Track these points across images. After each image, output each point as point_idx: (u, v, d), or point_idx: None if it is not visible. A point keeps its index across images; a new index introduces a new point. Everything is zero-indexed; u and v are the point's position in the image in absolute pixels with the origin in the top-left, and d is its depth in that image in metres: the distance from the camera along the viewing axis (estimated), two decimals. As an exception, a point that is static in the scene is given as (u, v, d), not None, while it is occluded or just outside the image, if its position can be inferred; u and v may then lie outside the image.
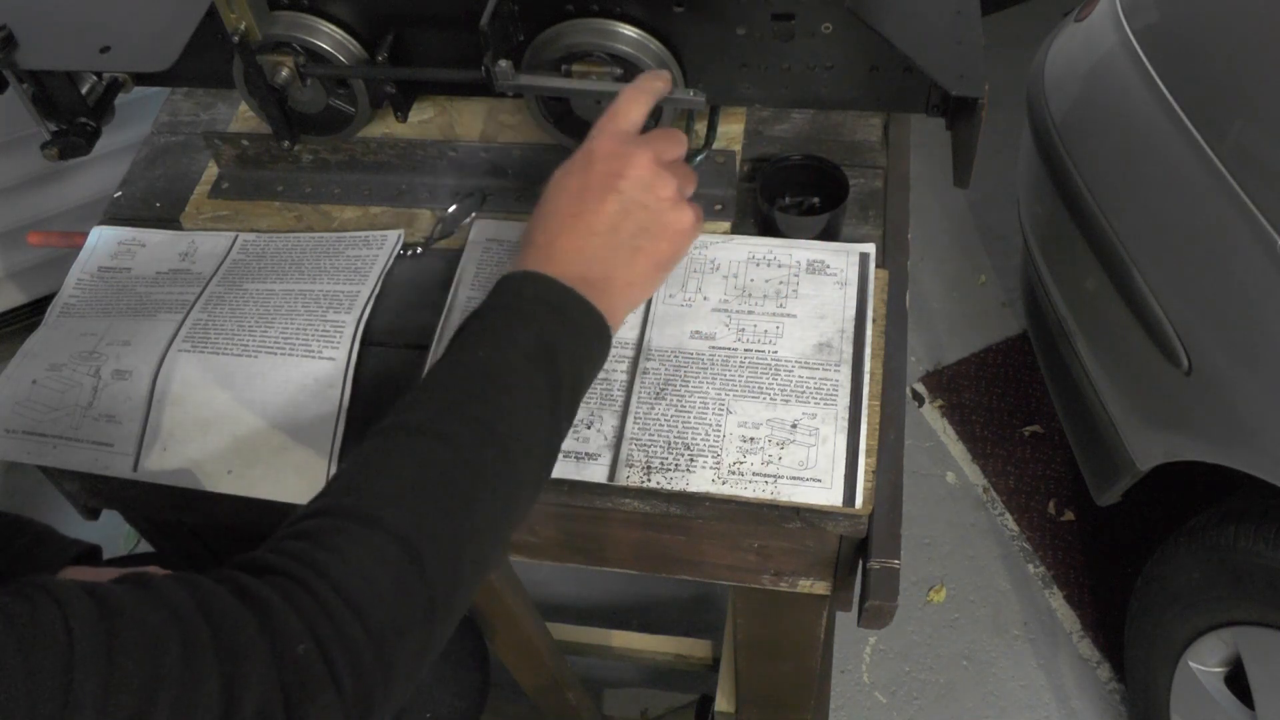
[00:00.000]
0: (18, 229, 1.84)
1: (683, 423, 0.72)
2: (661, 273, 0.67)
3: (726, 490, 0.69)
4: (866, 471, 0.69)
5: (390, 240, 0.84)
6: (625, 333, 0.77)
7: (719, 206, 0.84)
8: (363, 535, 0.52)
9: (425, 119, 0.92)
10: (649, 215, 0.64)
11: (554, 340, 0.60)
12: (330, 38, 0.80)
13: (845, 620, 1.33)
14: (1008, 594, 1.69)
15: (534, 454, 0.60)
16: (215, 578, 0.50)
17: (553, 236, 0.63)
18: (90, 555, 0.81)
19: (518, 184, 0.87)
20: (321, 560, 0.51)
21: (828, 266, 0.78)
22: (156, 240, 0.89)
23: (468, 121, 0.92)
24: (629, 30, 0.77)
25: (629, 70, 0.77)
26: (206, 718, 0.44)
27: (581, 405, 0.74)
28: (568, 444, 0.72)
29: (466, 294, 0.81)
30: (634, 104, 0.68)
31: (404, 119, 0.89)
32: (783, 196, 0.83)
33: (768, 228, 0.82)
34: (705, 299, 0.78)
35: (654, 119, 0.81)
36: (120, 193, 0.94)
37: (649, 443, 0.72)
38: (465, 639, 1.00)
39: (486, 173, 0.87)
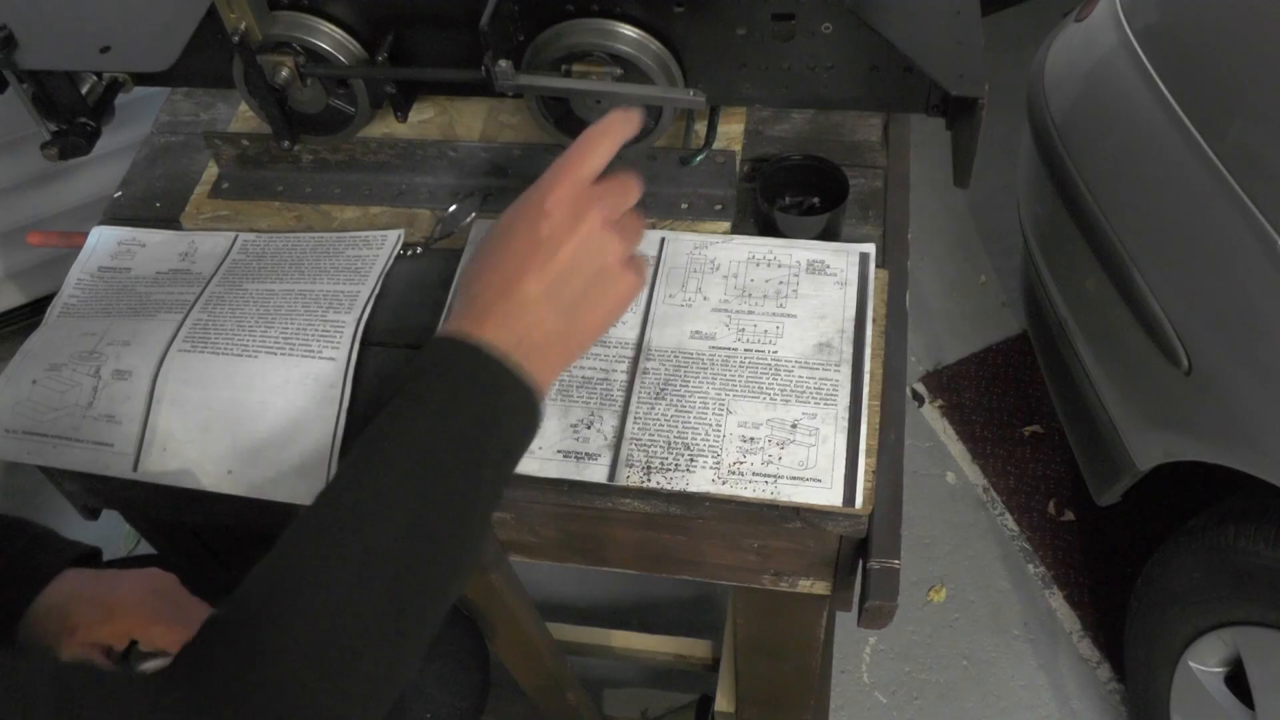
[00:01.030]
0: (18, 229, 1.84)
1: (683, 423, 0.72)
2: (597, 334, 0.65)
3: (726, 490, 0.69)
4: (866, 471, 0.69)
5: (390, 240, 0.84)
6: (625, 332, 0.77)
7: (719, 206, 0.84)
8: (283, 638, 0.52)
9: (425, 119, 0.92)
10: (593, 279, 0.62)
11: (485, 430, 0.59)
12: (330, 38, 0.80)
13: (845, 620, 1.33)
14: (1008, 594, 1.69)
15: (460, 547, 0.58)
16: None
17: (493, 296, 0.61)
18: (90, 557, 0.81)
19: (518, 184, 0.87)
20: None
21: (828, 266, 0.78)
22: (156, 240, 0.89)
23: (468, 121, 0.92)
24: (629, 30, 0.77)
25: (629, 70, 0.77)
26: None
27: (581, 405, 0.74)
28: (568, 444, 0.72)
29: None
30: (595, 151, 0.64)
31: (404, 119, 0.89)
32: (783, 196, 0.83)
33: (768, 228, 0.82)
34: (705, 299, 0.78)
35: (654, 119, 0.81)
36: (120, 193, 0.94)
37: (649, 443, 0.72)
38: (465, 639, 1.00)
39: (486, 173, 0.87)
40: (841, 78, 0.80)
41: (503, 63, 0.72)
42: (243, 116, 0.96)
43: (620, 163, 0.84)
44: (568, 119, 0.83)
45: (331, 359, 0.78)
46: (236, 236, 0.87)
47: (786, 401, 0.72)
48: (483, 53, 0.72)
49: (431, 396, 0.59)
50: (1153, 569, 1.31)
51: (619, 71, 0.77)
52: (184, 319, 0.81)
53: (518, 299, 0.61)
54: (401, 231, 0.85)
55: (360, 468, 0.58)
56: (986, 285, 2.08)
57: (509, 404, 0.60)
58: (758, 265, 0.79)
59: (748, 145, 0.88)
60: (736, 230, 0.83)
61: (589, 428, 0.73)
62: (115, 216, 0.92)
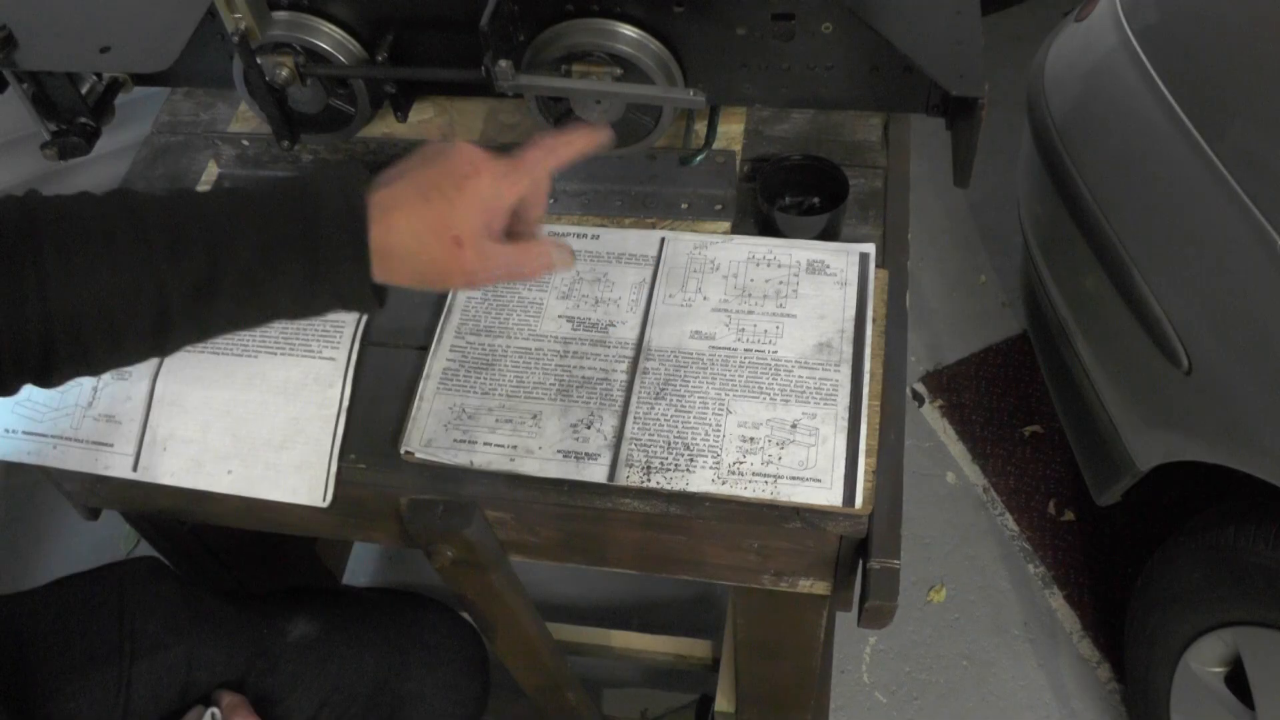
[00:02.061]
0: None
1: (683, 423, 0.72)
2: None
3: (726, 490, 0.69)
4: (866, 471, 0.69)
5: (390, 240, 0.84)
6: (625, 333, 0.77)
7: (719, 206, 0.84)
8: None
9: (425, 119, 0.92)
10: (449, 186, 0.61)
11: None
12: (330, 38, 0.80)
13: (845, 620, 1.33)
14: (1008, 594, 1.69)
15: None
16: None
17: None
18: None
19: (518, 184, 0.87)
20: None
21: (828, 266, 0.78)
22: (156, 240, 0.88)
23: (468, 121, 0.92)
24: (629, 30, 0.77)
25: (629, 70, 0.77)
26: None
27: (581, 405, 0.74)
28: (568, 444, 0.72)
29: (466, 294, 0.81)
30: (539, 168, 0.64)
31: (404, 119, 0.89)
32: (783, 196, 0.83)
33: (768, 228, 0.82)
34: (705, 299, 0.78)
35: (654, 119, 0.81)
36: (120, 193, 0.94)
37: (649, 443, 0.72)
38: (465, 646, 0.99)
39: (486, 173, 0.87)
40: (841, 78, 0.80)
41: (503, 63, 0.72)
42: (243, 116, 0.96)
43: (621, 163, 0.85)
44: (568, 119, 0.83)
45: (331, 359, 0.78)
46: (236, 236, 0.87)
47: (786, 401, 0.72)
48: (483, 53, 0.72)
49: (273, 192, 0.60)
50: (1153, 569, 1.31)
51: (619, 71, 0.77)
52: (184, 319, 0.81)
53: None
54: (401, 231, 0.85)
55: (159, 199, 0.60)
56: (986, 285, 2.08)
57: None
58: (758, 265, 0.79)
59: (748, 145, 0.88)
60: (736, 230, 0.83)
61: (589, 428, 0.73)
62: (115, 216, 0.92)
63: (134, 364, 0.62)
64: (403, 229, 0.60)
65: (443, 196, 0.61)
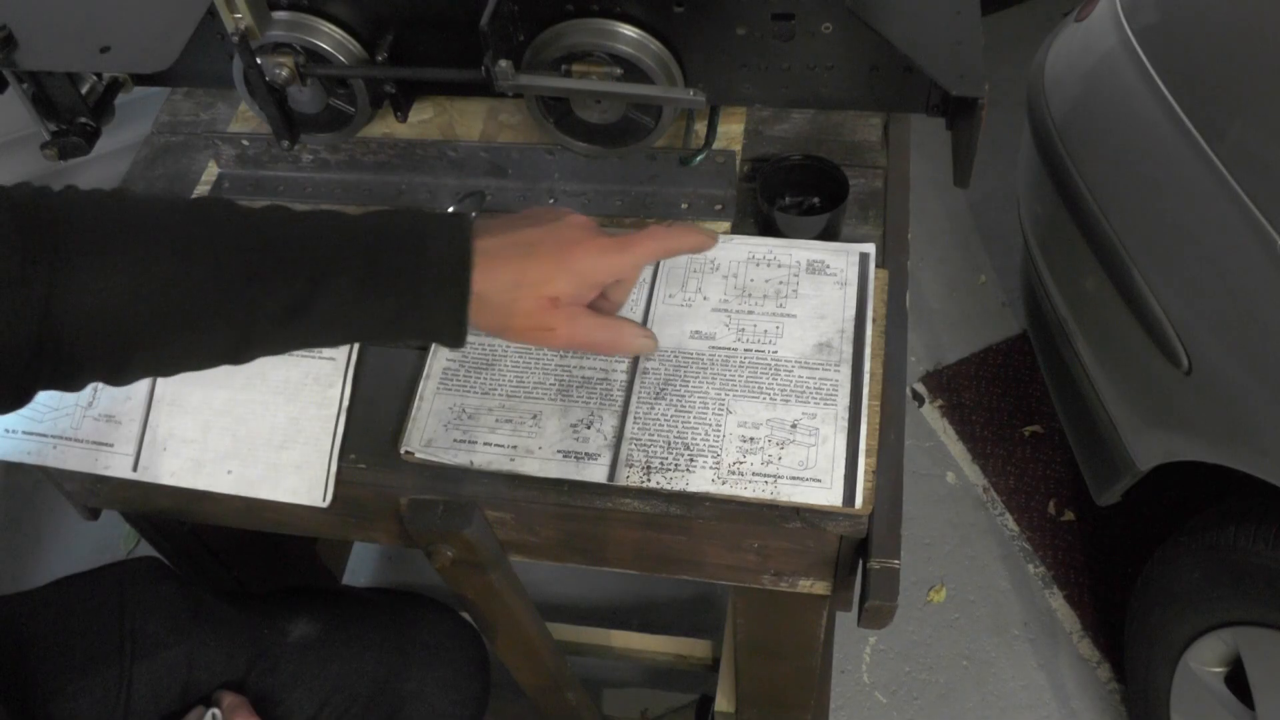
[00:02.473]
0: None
1: (683, 423, 0.72)
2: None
3: (726, 490, 0.69)
4: (866, 471, 0.69)
5: (390, 240, 0.84)
6: (625, 333, 0.77)
7: (719, 206, 0.84)
8: None
9: (425, 119, 0.92)
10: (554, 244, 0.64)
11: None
12: (330, 38, 0.80)
13: (845, 620, 1.33)
14: (1008, 594, 1.69)
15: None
16: None
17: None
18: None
19: (518, 184, 0.87)
20: None
21: (828, 266, 0.78)
22: (156, 240, 0.88)
23: (468, 121, 0.92)
24: (629, 30, 0.77)
25: (629, 70, 0.77)
26: None
27: (581, 405, 0.74)
28: (568, 444, 0.73)
29: (466, 294, 0.81)
30: (648, 253, 0.67)
31: (404, 119, 0.89)
32: (783, 196, 0.83)
33: (768, 228, 0.82)
34: (705, 299, 0.78)
35: (654, 118, 0.81)
36: (120, 193, 0.94)
37: (649, 443, 0.72)
38: (465, 645, 0.99)
39: (486, 173, 0.87)
40: (841, 78, 0.80)
41: (503, 63, 0.72)
42: (243, 116, 0.96)
43: (621, 163, 0.85)
44: (568, 119, 0.83)
45: (331, 359, 0.78)
46: (236, 236, 0.87)
47: (786, 401, 0.72)
48: (483, 53, 0.72)
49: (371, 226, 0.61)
50: (1153, 569, 1.31)
51: (619, 71, 0.77)
52: (184, 319, 0.81)
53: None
54: (401, 231, 0.85)
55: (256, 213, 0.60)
56: (986, 285, 2.08)
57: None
58: (758, 265, 0.79)
59: (748, 145, 0.88)
60: (736, 230, 0.83)
61: (589, 428, 0.73)
62: (115, 216, 0.92)
63: (207, 369, 0.62)
64: (503, 280, 0.62)
65: (548, 257, 0.63)
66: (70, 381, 0.58)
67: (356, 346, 0.79)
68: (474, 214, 0.64)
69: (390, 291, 0.60)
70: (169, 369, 0.61)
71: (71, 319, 0.54)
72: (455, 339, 0.62)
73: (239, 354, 0.60)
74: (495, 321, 0.63)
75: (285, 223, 0.61)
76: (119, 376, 0.59)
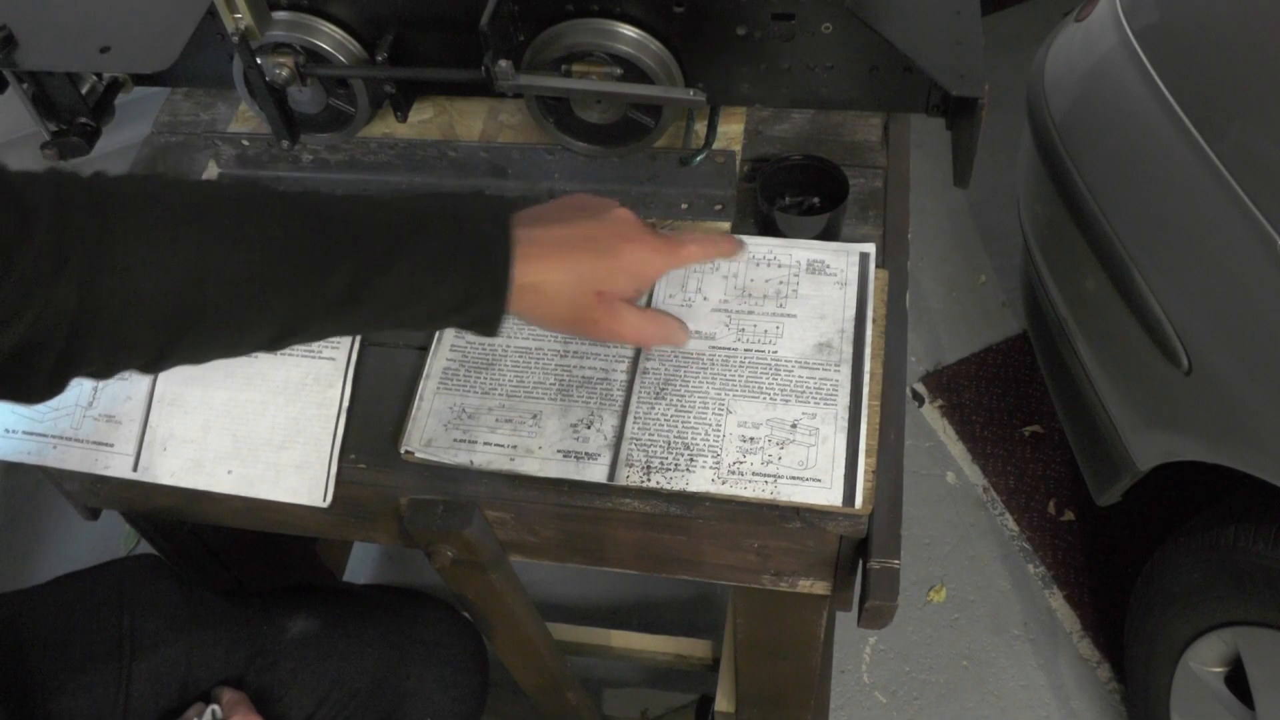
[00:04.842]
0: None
1: (683, 422, 0.72)
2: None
3: (726, 490, 0.69)
4: (866, 471, 0.69)
5: (390, 240, 0.84)
6: (625, 333, 0.77)
7: (719, 206, 0.84)
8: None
9: (425, 119, 0.92)
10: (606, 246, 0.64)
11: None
12: (330, 38, 0.80)
13: (845, 620, 1.33)
14: (1008, 594, 1.69)
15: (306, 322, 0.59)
16: None
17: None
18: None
19: (518, 184, 0.87)
20: None
21: (828, 266, 0.78)
22: (156, 240, 0.88)
23: (468, 121, 0.92)
24: (629, 30, 0.77)
25: (629, 70, 0.77)
26: None
27: (581, 405, 0.74)
28: (568, 444, 0.72)
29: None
30: (693, 258, 0.68)
31: (404, 119, 0.89)
32: (783, 196, 0.83)
33: (768, 228, 0.82)
34: (705, 299, 0.78)
35: (654, 118, 0.81)
36: (120, 193, 0.94)
37: (649, 442, 0.72)
38: (464, 642, 1.00)
39: (486, 173, 0.87)
40: (841, 78, 0.80)
41: (503, 63, 0.72)
42: (243, 116, 0.96)
43: (621, 163, 0.85)
44: (568, 119, 0.83)
45: (331, 359, 0.78)
46: (236, 236, 0.87)
47: (786, 401, 0.72)
48: (483, 53, 0.72)
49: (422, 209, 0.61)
50: (1153, 569, 1.31)
51: (619, 71, 0.77)
52: (184, 319, 0.81)
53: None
54: (401, 231, 0.85)
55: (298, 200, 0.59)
56: (986, 285, 2.08)
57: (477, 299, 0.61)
58: (758, 265, 0.79)
59: (748, 145, 0.88)
60: (736, 230, 0.83)
61: (589, 427, 0.73)
62: (115, 216, 0.92)
63: (242, 356, 0.62)
64: (555, 272, 0.62)
65: (604, 252, 0.63)
66: (106, 368, 0.57)
67: (357, 347, 0.79)
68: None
69: (438, 281, 0.59)
70: (207, 355, 0.60)
71: (112, 303, 0.53)
72: (492, 325, 0.62)
73: (282, 340, 0.60)
74: (543, 311, 0.63)
75: (330, 205, 0.60)
76: (157, 364, 0.58)
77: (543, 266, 0.61)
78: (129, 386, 0.79)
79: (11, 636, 0.82)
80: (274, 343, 0.59)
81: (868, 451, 0.70)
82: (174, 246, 0.54)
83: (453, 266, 0.59)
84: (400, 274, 0.58)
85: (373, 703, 0.91)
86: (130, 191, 0.55)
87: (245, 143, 0.89)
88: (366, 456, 0.76)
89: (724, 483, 0.69)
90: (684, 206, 0.84)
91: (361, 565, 1.76)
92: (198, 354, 0.59)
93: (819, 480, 0.69)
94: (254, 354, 0.61)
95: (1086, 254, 1.25)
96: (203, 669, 0.85)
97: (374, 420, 0.77)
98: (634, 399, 0.74)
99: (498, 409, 0.75)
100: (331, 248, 0.57)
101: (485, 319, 0.61)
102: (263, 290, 0.56)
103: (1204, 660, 1.25)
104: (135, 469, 0.77)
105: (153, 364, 0.58)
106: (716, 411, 0.72)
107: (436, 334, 0.79)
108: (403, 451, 0.74)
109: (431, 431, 0.75)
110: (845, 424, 0.71)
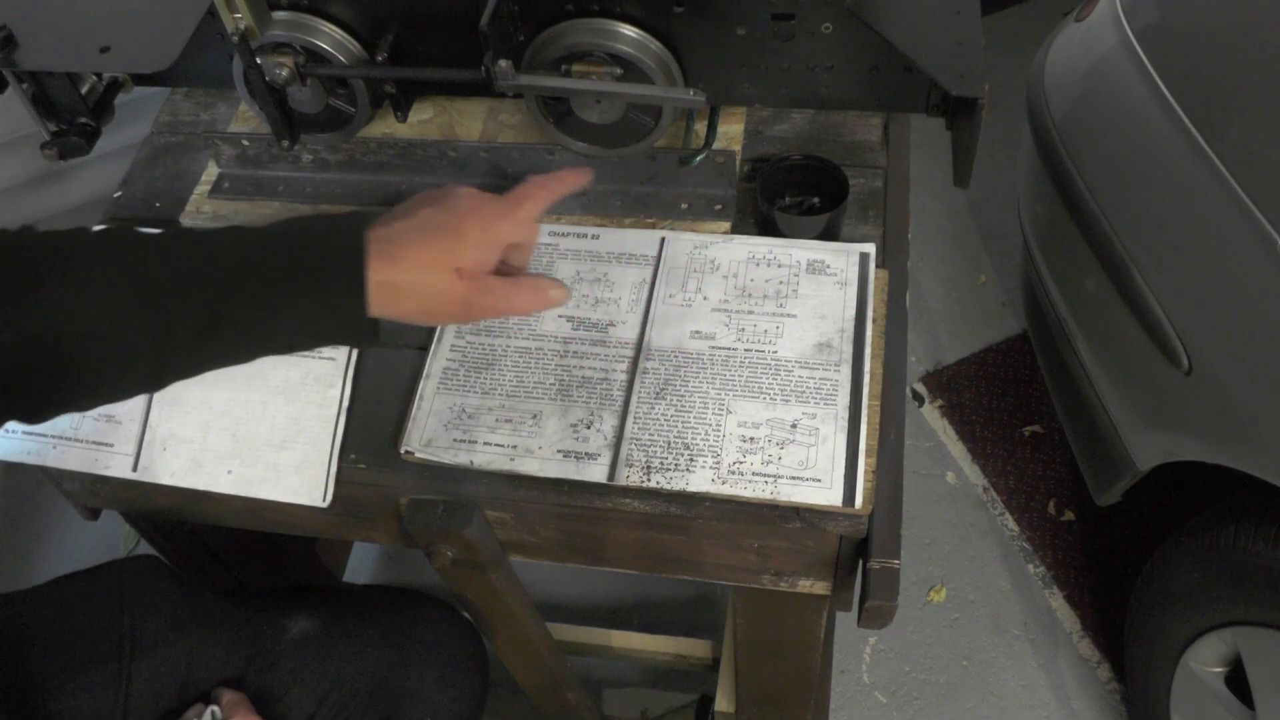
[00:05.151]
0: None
1: (683, 423, 0.72)
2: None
3: (726, 490, 0.69)
4: (866, 471, 0.69)
5: (390, 240, 0.84)
6: (625, 332, 0.77)
7: (719, 206, 0.84)
8: None
9: (425, 119, 0.92)
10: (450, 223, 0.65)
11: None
12: (330, 38, 0.80)
13: (845, 620, 1.33)
14: (1008, 594, 1.69)
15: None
16: None
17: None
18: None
19: (518, 184, 0.87)
20: None
21: (828, 266, 0.78)
22: (156, 240, 0.88)
23: (468, 121, 0.92)
24: (629, 30, 0.77)
25: (629, 70, 0.77)
26: None
27: (581, 405, 0.74)
28: (568, 444, 0.72)
29: (466, 294, 0.81)
30: (536, 202, 0.69)
31: (404, 119, 0.89)
32: (783, 196, 0.83)
33: (768, 228, 0.82)
34: (705, 299, 0.78)
35: (654, 118, 0.81)
36: (120, 193, 0.94)
37: (649, 442, 0.72)
38: (464, 642, 0.99)
39: (486, 173, 0.87)
40: (841, 78, 0.80)
41: (503, 63, 0.72)
42: (243, 116, 0.96)
43: (621, 163, 0.85)
44: (568, 119, 0.83)
45: (331, 359, 0.78)
46: (236, 236, 0.87)
47: (786, 401, 0.72)
48: (483, 53, 0.72)
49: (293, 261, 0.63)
50: (1153, 569, 1.31)
51: (619, 71, 0.77)
52: (184, 319, 0.81)
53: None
54: (401, 231, 0.85)
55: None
56: (986, 285, 2.08)
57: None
58: (758, 265, 0.79)
59: (748, 145, 0.88)
60: (736, 230, 0.83)
61: (589, 427, 0.73)
62: (115, 216, 0.92)
63: (124, 400, 0.64)
64: (407, 262, 0.63)
65: (446, 231, 0.64)
66: (33, 415, 0.61)
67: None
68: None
69: (294, 295, 0.61)
70: (89, 400, 0.62)
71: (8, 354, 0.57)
72: (363, 335, 0.63)
73: (157, 378, 0.62)
74: (413, 306, 0.64)
75: (188, 242, 0.62)
76: (37, 415, 0.61)
77: (396, 262, 0.62)
78: (129, 386, 0.79)
79: (11, 636, 0.82)
80: (153, 379, 0.62)
81: (868, 451, 0.70)
82: (37, 295, 0.58)
83: (309, 278, 0.61)
84: (249, 299, 0.60)
85: (373, 703, 0.91)
86: (55, 245, 0.60)
87: (245, 143, 0.89)
88: (366, 456, 0.76)
89: (724, 483, 0.69)
90: (684, 206, 0.85)
91: (361, 565, 1.76)
92: (76, 401, 0.62)
93: (819, 480, 0.69)
94: (143, 391, 0.64)
95: (1086, 254, 1.25)
96: (203, 669, 0.85)
97: (374, 420, 0.77)
98: (634, 399, 0.74)
99: (498, 409, 0.75)
100: (184, 281, 0.60)
101: (353, 324, 0.63)
102: (127, 330, 0.59)
103: (1204, 660, 1.25)
104: (135, 469, 0.77)
105: (33, 415, 0.61)
106: (716, 411, 0.72)
107: (436, 334, 0.79)
108: (403, 451, 0.74)
109: (431, 431, 0.75)
110: (845, 424, 0.71)
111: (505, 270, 0.69)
